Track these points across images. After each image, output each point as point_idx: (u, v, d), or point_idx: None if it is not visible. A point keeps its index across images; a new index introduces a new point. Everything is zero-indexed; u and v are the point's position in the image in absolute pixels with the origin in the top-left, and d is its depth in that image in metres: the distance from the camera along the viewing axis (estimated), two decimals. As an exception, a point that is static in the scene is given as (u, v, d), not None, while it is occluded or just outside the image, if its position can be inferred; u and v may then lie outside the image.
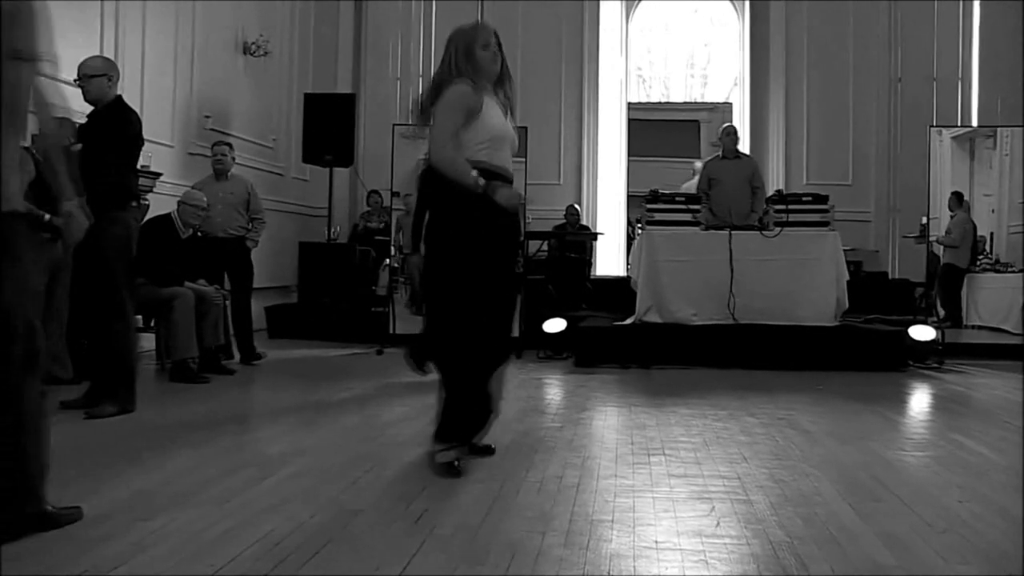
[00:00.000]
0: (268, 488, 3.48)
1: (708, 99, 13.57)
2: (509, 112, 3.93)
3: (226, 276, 7.60)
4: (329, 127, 10.14)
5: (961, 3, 12.16)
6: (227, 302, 7.29)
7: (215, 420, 5.02)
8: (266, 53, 10.16)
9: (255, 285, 7.94)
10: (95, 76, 5.04)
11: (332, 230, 10.51)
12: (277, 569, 2.55)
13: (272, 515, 3.08)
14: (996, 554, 2.81)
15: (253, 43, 9.97)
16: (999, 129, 11.34)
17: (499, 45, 3.89)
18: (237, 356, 7.41)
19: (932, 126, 10.18)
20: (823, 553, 2.76)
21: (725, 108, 13.02)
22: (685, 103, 13.88)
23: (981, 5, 12.16)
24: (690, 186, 9.57)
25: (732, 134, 8.86)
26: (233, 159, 7.89)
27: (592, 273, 11.24)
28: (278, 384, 6.61)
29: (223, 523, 2.98)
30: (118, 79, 5.19)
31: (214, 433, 4.61)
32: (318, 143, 10.12)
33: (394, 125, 9.66)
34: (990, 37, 12.09)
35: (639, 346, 7.62)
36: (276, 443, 4.53)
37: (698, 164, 9.30)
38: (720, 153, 8.84)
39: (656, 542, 2.86)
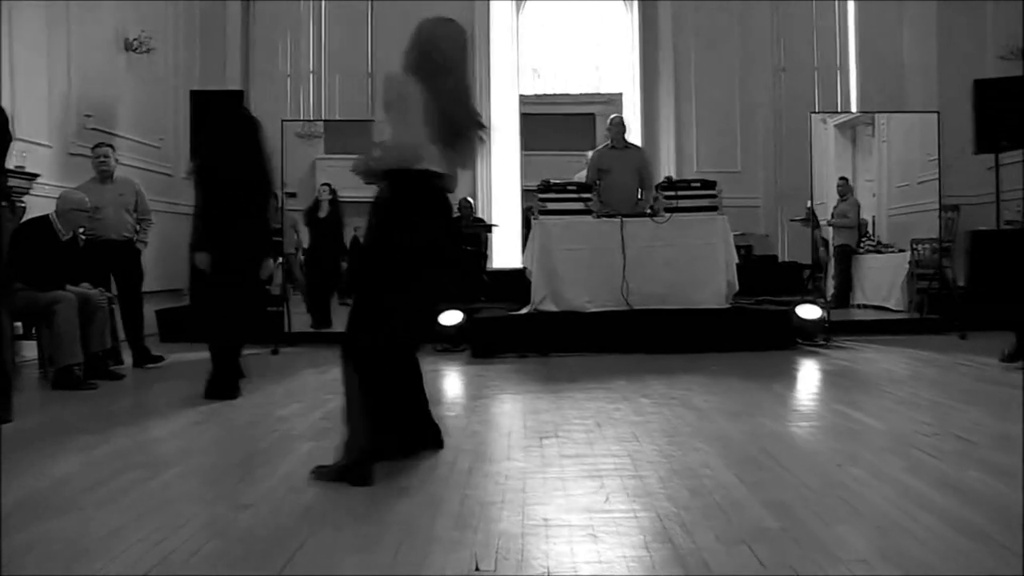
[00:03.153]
0: (156, 488, 3.39)
1: (603, 91, 13.72)
2: None
3: (112, 279, 7.36)
4: (222, 126, 9.90)
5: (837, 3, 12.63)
6: (113, 306, 7.08)
7: (103, 424, 4.82)
8: (149, 50, 9.85)
9: (145, 289, 7.71)
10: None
11: (224, 230, 10.27)
12: (160, 566, 2.48)
13: (157, 514, 2.99)
14: (871, 511, 2.91)
15: (135, 40, 9.66)
16: (876, 116, 11.77)
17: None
18: (129, 361, 7.18)
19: (812, 112, 10.47)
20: (708, 522, 2.81)
21: (618, 100, 13.20)
22: (580, 95, 14.02)
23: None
24: (581, 176, 9.67)
25: (619, 125, 8.99)
26: (117, 160, 7.65)
27: (489, 265, 11.26)
28: (170, 387, 6.43)
29: (109, 523, 2.89)
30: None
31: (102, 437, 4.41)
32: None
33: (283, 121, 9.51)
34: (866, 27, 12.54)
35: (536, 335, 7.66)
36: (166, 444, 4.40)
37: (589, 154, 9.39)
38: (609, 143, 8.94)
39: (545, 520, 2.87)
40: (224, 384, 5.58)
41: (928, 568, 2.38)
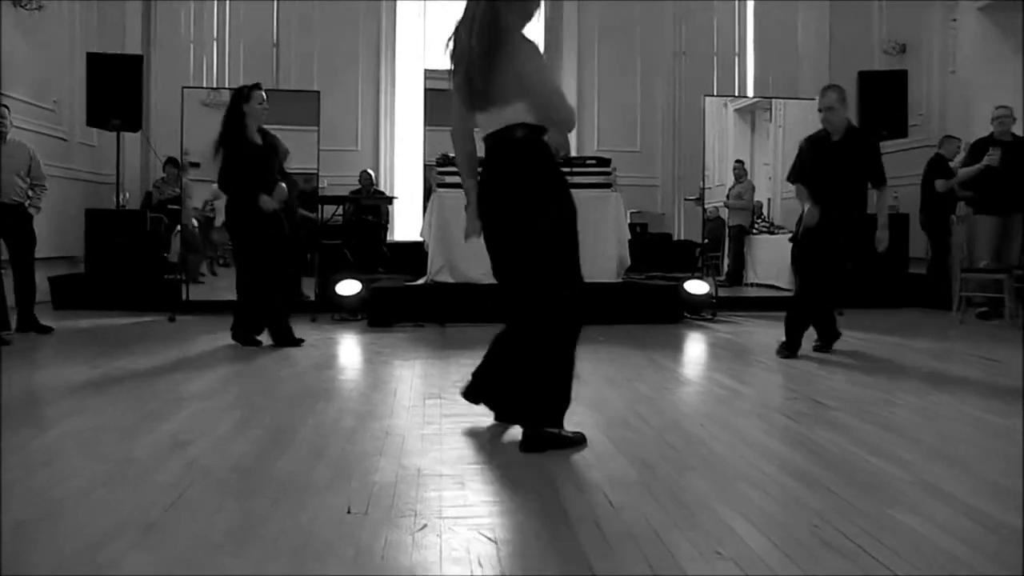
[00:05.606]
0: (45, 444, 3.45)
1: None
2: None
3: (3, 245, 7.23)
4: (116, 90, 9.68)
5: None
6: (3, 271, 6.96)
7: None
8: (40, 7, 9.54)
9: (38, 255, 7.58)
10: None
11: (121, 197, 10.14)
12: (48, 516, 2.56)
13: (46, 468, 3.06)
14: (722, 464, 3.15)
15: (22, -5, 9.37)
16: (774, 101, 12.17)
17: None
18: (13, 326, 7.06)
19: (706, 95, 10.78)
20: (572, 474, 3.01)
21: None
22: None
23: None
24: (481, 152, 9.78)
25: None
26: (11, 124, 7.45)
27: (389, 237, 11.34)
28: (61, 351, 6.37)
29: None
30: None
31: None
32: (104, 106, 9.66)
33: (184, 88, 9.41)
34: (763, 16, 12.96)
35: (432, 305, 7.81)
36: (56, 406, 4.40)
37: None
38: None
39: (419, 470, 3.04)
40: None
41: (762, 510, 2.62)
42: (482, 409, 4.01)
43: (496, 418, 3.78)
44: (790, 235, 6.46)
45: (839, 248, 5.92)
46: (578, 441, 3.44)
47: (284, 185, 6.37)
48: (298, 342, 6.39)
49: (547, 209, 3.43)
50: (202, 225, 10.34)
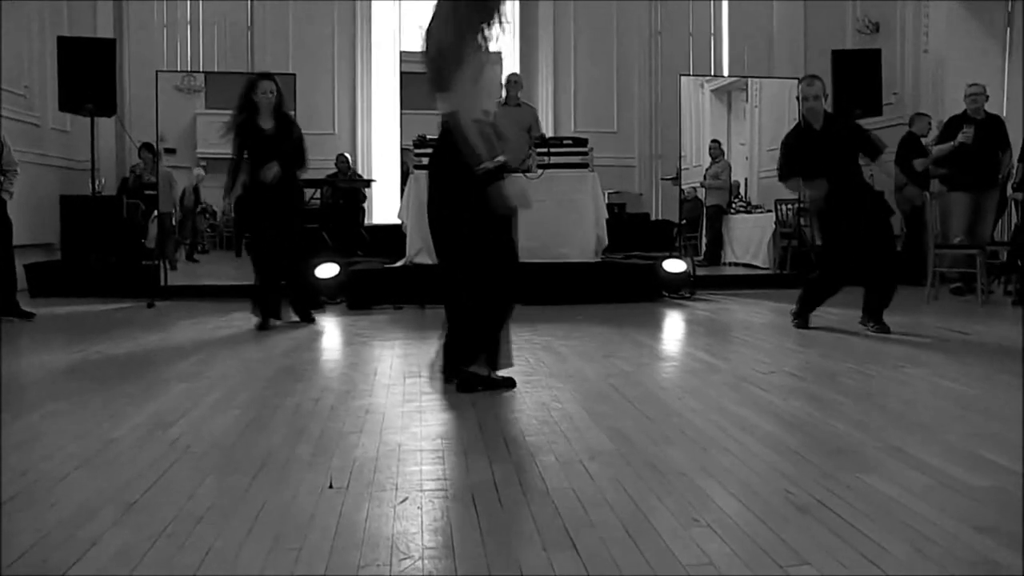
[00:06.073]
0: (25, 424, 3.46)
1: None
2: None
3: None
4: (88, 75, 9.56)
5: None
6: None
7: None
8: (9, -9, 9.47)
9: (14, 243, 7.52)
10: None
11: (97, 183, 10.07)
12: (25, 493, 2.57)
13: (26, 449, 3.07)
14: (698, 435, 3.20)
15: (-6, -19, 9.28)
16: (749, 81, 12.24)
17: None
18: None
19: (682, 75, 10.82)
20: (551, 445, 3.05)
21: (497, 59, 13.30)
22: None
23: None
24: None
25: (516, 83, 9.10)
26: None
27: (367, 220, 11.34)
28: (41, 338, 6.33)
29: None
30: None
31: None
32: (77, 91, 9.54)
33: (158, 72, 9.36)
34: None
35: (411, 287, 7.81)
36: (37, 389, 4.41)
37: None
38: (503, 100, 9.02)
39: (399, 445, 3.07)
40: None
41: (738, 478, 2.67)
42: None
43: (445, 380, 4.09)
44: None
45: (874, 210, 5.94)
46: (508, 384, 4.03)
47: (276, 164, 6.38)
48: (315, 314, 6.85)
49: (469, 197, 3.81)
50: (184, 211, 10.33)
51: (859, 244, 5.85)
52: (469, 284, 3.92)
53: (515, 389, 4.03)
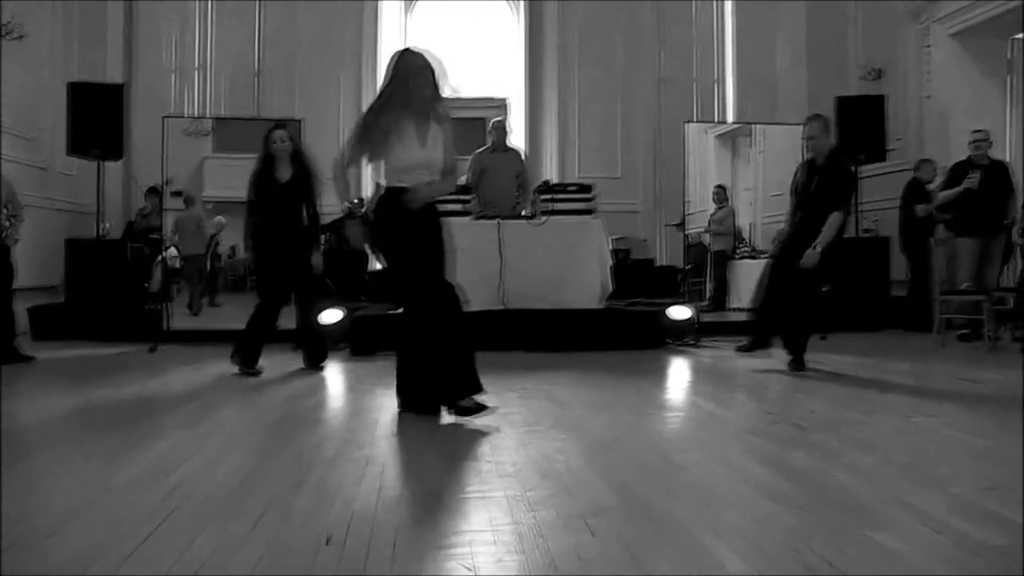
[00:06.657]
0: (24, 469, 3.44)
1: (492, 96, 13.91)
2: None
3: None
4: (97, 119, 9.62)
5: (715, 3, 13.17)
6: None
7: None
8: (21, 36, 9.53)
9: (18, 285, 7.54)
10: None
11: (102, 226, 10.11)
12: (22, 543, 2.53)
13: (27, 496, 3.04)
14: (701, 488, 3.15)
15: (5, 24, 9.36)
16: (754, 127, 12.29)
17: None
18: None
19: (686, 121, 10.86)
20: (552, 500, 3.00)
21: (504, 105, 13.43)
22: (469, 100, 14.14)
23: (734, 7, 13.19)
24: (463, 179, 9.81)
25: (500, 128, 9.12)
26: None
27: (371, 266, 11.32)
28: (42, 382, 6.31)
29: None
30: None
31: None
32: (85, 135, 9.61)
33: (164, 118, 9.42)
34: (743, 44, 13.11)
35: (415, 333, 7.76)
36: (38, 432, 4.37)
37: (468, 157, 9.55)
38: (490, 146, 9.07)
39: (399, 499, 3.02)
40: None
41: (741, 532, 2.62)
42: (465, 438, 4.02)
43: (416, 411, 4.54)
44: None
45: (813, 271, 6.01)
46: (489, 409, 4.39)
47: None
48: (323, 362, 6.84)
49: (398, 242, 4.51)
50: (203, 257, 10.39)
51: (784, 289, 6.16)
52: (409, 323, 4.56)
53: (505, 431, 4.18)
